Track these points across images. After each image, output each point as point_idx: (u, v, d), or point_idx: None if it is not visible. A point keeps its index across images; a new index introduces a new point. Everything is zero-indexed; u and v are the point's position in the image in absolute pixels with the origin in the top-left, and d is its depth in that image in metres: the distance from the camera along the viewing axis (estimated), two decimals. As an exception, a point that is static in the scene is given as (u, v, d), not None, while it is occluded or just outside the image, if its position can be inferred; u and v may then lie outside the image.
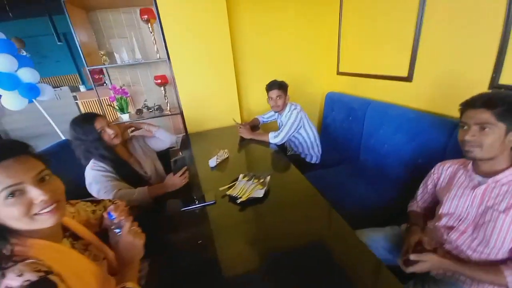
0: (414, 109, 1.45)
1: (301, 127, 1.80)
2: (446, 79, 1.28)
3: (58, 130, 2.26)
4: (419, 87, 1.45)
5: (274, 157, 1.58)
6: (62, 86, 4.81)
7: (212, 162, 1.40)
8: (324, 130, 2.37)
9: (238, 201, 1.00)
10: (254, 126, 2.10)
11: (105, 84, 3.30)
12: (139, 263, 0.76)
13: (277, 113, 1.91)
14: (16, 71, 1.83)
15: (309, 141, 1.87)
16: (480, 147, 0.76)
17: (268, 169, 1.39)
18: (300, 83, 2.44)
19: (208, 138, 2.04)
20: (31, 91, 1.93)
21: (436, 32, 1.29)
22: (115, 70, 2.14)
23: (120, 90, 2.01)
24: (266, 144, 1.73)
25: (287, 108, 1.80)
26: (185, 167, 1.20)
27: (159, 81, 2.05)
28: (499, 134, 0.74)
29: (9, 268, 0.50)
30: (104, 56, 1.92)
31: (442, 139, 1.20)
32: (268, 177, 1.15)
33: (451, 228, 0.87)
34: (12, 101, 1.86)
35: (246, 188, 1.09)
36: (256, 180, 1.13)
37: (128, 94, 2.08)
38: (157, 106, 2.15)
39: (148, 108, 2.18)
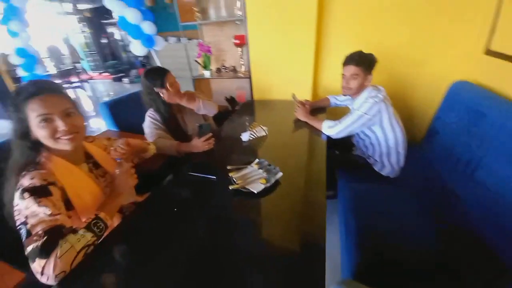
0: None
1: (375, 123, 1.32)
2: None
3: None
4: None
5: (312, 151, 1.28)
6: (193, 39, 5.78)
7: (245, 136, 1.30)
8: (430, 137, 1.65)
9: (230, 187, 0.89)
10: (321, 108, 1.75)
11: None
12: (120, 203, 0.84)
13: (351, 97, 1.48)
14: (141, 23, 2.29)
15: (385, 144, 1.37)
16: None
17: (295, 161, 1.13)
18: (413, 62, 1.71)
19: (268, 108, 1.90)
20: (149, 42, 2.40)
21: None
22: (207, 28, 2.27)
23: (205, 47, 2.14)
24: (319, 132, 1.41)
25: (365, 93, 1.33)
26: (210, 134, 1.18)
27: (238, 41, 2.01)
28: None
29: (30, 172, 0.68)
30: (197, 13, 2.05)
31: None
32: (278, 175, 0.94)
33: None
34: (137, 48, 2.40)
35: (248, 176, 0.94)
36: (265, 172, 0.96)
37: (211, 52, 2.19)
38: (232, 68, 2.17)
39: (225, 68, 2.25)
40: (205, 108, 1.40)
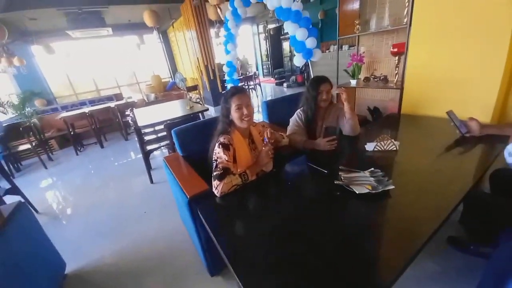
0: None
1: None
2: None
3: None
4: None
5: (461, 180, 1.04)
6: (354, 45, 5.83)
7: (370, 146, 1.33)
8: None
9: (336, 181, 1.03)
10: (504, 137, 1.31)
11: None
12: (258, 169, 1.26)
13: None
14: (305, 39, 2.75)
15: None
16: None
17: (423, 190, 1.02)
18: None
19: (415, 124, 1.69)
20: (308, 54, 2.83)
21: None
22: (363, 37, 2.31)
23: (358, 57, 2.21)
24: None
25: None
26: (334, 136, 1.34)
27: (395, 49, 1.91)
28: None
29: (223, 135, 1.24)
30: (357, 25, 2.16)
31: None
32: (389, 186, 0.94)
33: None
34: (298, 59, 2.91)
35: (355, 179, 1.02)
36: (375, 181, 0.99)
37: (364, 61, 2.23)
38: (383, 77, 2.09)
39: (374, 78, 2.19)
40: (350, 126, 1.52)
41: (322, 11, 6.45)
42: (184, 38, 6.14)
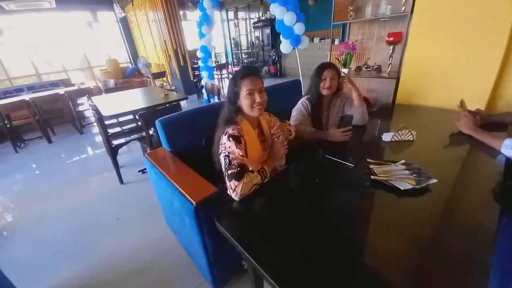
0: None
1: None
2: None
3: (300, 72, 3.03)
4: None
5: (479, 172, 1.03)
6: (326, 39, 5.88)
7: (387, 136, 1.26)
8: None
9: (372, 177, 0.91)
10: (499, 123, 1.37)
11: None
12: (274, 163, 1.08)
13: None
14: (294, 24, 2.60)
15: None
16: None
17: (461, 180, 0.98)
18: None
19: (414, 114, 1.69)
20: (296, 41, 2.69)
21: None
22: (355, 26, 2.26)
23: (350, 46, 2.15)
24: (492, 151, 1.12)
25: None
26: (350, 127, 1.23)
27: (391, 38, 1.88)
28: None
29: (231, 125, 1.02)
30: (351, 12, 2.08)
31: None
32: (432, 181, 0.86)
33: None
34: (285, 47, 2.76)
35: (392, 173, 0.92)
36: (414, 175, 0.90)
37: (356, 50, 2.18)
38: (376, 66, 2.07)
39: (367, 67, 2.17)
40: (360, 114, 1.44)
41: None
42: (147, 18, 5.45)
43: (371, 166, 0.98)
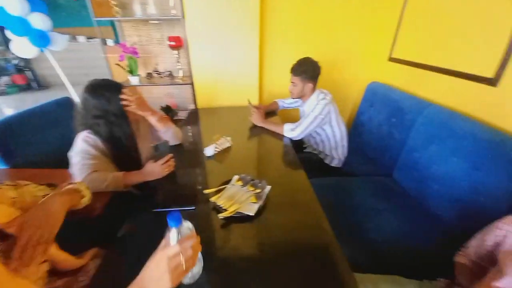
0: (493, 127, 1.03)
1: (326, 122, 1.46)
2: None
3: (69, 85, 2.17)
4: (507, 96, 1.01)
5: (283, 155, 1.30)
6: (95, 38, 4.78)
7: (209, 151, 1.17)
8: (356, 128, 1.97)
9: (221, 215, 0.77)
10: (271, 111, 1.80)
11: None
12: None
13: (301, 100, 1.58)
14: (27, 15, 1.70)
15: (333, 140, 1.54)
16: None
17: (274, 169, 1.13)
18: (338, 65, 2.00)
19: (218, 116, 1.80)
20: (41, 39, 1.81)
21: None
22: (128, 25, 1.92)
23: (130, 49, 1.80)
24: (279, 135, 1.44)
25: (314, 97, 1.46)
26: (170, 155, 0.98)
27: (173, 43, 1.79)
28: None
29: None
30: (115, 7, 1.69)
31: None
32: (267, 189, 0.89)
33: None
34: (21, 47, 1.76)
35: (236, 198, 0.85)
36: (251, 188, 0.88)
37: (138, 55, 1.87)
38: (168, 72, 1.93)
39: (159, 73, 1.97)
40: (171, 134, 1.18)
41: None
42: None
43: (212, 200, 0.83)
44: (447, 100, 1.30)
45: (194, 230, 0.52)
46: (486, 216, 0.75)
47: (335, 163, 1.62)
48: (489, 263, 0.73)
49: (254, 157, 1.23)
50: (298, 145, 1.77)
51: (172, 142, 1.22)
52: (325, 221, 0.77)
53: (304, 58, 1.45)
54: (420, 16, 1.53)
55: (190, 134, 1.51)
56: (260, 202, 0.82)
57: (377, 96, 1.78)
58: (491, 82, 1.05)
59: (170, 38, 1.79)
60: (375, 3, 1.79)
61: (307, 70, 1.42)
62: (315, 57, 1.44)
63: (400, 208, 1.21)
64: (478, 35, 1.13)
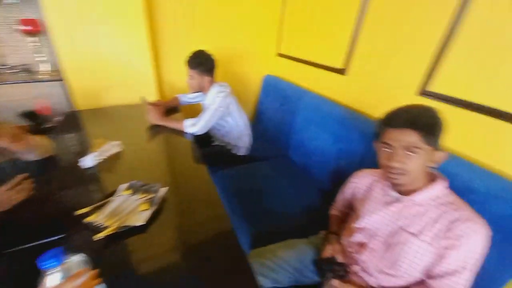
0: (345, 106, 1.34)
1: (227, 114, 1.51)
2: (379, 78, 1.18)
3: None
4: (351, 82, 1.33)
5: (185, 153, 1.26)
6: None
7: (88, 161, 0.98)
8: (258, 117, 2.14)
9: (99, 235, 0.65)
10: (173, 108, 1.70)
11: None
12: None
13: (202, 94, 1.56)
14: None
15: (237, 130, 1.61)
16: (408, 174, 0.66)
17: (173, 169, 1.07)
18: (237, 59, 2.08)
19: (108, 118, 1.54)
20: None
21: (376, 28, 1.15)
22: None
23: None
24: (181, 133, 1.38)
25: (213, 90, 1.47)
26: (24, 174, 0.76)
27: (28, 27, 1.37)
28: (425, 157, 0.65)
29: None
30: None
31: (362, 144, 1.12)
32: (162, 191, 0.83)
33: (363, 245, 0.80)
34: None
35: (121, 210, 0.75)
36: (143, 195, 0.81)
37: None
38: (22, 66, 1.47)
39: (10, 68, 1.48)
40: (34, 152, 0.93)
41: None
42: None
43: (88, 220, 0.70)
44: (318, 88, 1.59)
45: (88, 263, 0.44)
46: (347, 175, 0.97)
47: (242, 152, 1.71)
48: (350, 209, 0.97)
49: (151, 160, 1.13)
50: (205, 139, 1.76)
51: (35, 158, 0.95)
52: (222, 209, 0.81)
53: (198, 50, 1.42)
54: (297, 17, 1.77)
55: (70, 144, 1.23)
56: (154, 208, 0.76)
57: (271, 87, 1.98)
58: (341, 71, 1.35)
59: (23, 21, 1.36)
60: (259, 5, 1.91)
61: (202, 63, 1.40)
62: (213, 50, 1.44)
63: (295, 181, 1.43)
64: (332, 34, 1.41)
